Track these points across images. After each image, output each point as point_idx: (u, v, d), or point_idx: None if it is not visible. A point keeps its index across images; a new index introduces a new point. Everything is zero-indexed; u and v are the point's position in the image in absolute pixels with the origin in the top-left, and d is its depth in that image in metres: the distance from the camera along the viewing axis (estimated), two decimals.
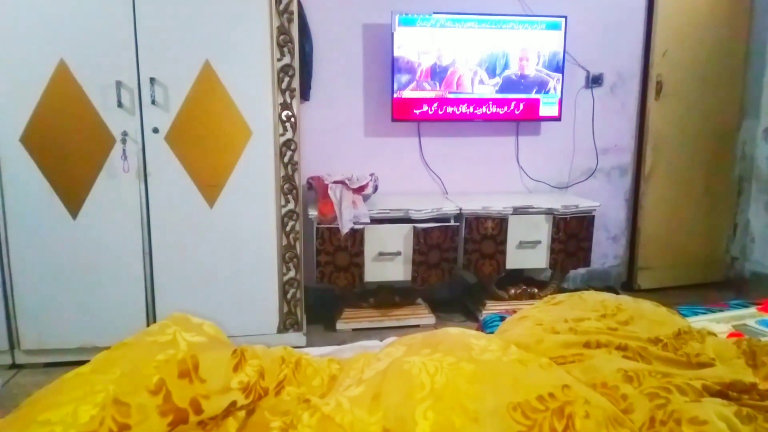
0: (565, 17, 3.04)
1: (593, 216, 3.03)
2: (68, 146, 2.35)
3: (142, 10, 2.32)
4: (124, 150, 2.37)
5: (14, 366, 2.43)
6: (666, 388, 1.07)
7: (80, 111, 2.33)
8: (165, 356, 0.90)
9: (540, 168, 3.35)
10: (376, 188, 2.88)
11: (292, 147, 2.53)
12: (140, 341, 0.95)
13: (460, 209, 2.86)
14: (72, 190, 2.38)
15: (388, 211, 2.80)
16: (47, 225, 2.37)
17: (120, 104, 2.35)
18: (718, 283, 3.57)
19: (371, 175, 2.88)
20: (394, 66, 2.94)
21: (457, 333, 1.22)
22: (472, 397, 0.98)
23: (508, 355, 1.12)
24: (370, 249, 2.79)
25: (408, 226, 2.80)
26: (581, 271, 3.40)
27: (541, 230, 2.97)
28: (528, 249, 2.97)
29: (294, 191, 2.56)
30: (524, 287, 3.09)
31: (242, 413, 0.99)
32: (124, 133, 2.37)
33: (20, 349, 2.43)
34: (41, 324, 2.42)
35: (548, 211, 2.95)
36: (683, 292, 3.37)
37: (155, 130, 2.40)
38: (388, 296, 2.98)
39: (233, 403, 0.96)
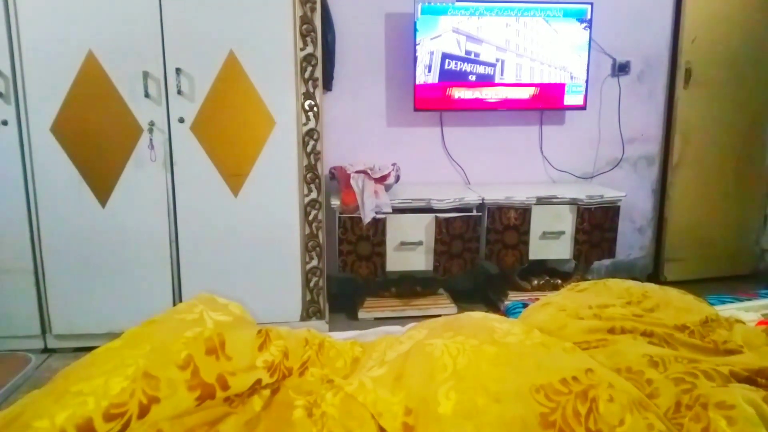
0: (591, 4, 2.99)
1: (619, 206, 2.98)
2: (97, 136, 2.40)
3: (168, 0, 2.35)
4: (151, 139, 2.42)
5: (46, 350, 2.51)
6: (692, 374, 1.05)
7: (108, 101, 2.38)
8: (193, 333, 0.92)
9: (564, 158, 3.31)
10: (398, 178, 2.88)
11: (315, 137, 2.55)
12: (168, 319, 0.97)
13: (483, 199, 2.85)
14: (101, 179, 2.43)
15: (410, 200, 2.80)
16: (77, 213, 2.43)
17: (147, 94, 2.39)
18: (747, 276, 3.49)
19: (393, 164, 2.88)
20: (416, 55, 2.93)
21: (480, 317, 1.22)
22: (495, 378, 0.99)
23: (531, 338, 1.12)
24: (392, 238, 2.79)
25: (430, 216, 2.80)
26: (606, 262, 3.36)
27: (565, 221, 2.94)
28: (551, 239, 2.94)
29: (317, 181, 2.58)
30: (547, 278, 3.07)
31: (267, 392, 1.00)
32: (151, 123, 2.41)
33: (51, 333, 2.50)
34: (71, 309, 2.48)
35: (572, 201, 2.92)
36: (711, 285, 3.29)
37: (181, 120, 2.43)
38: (410, 286, 2.99)
39: (258, 381, 0.98)
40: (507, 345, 1.08)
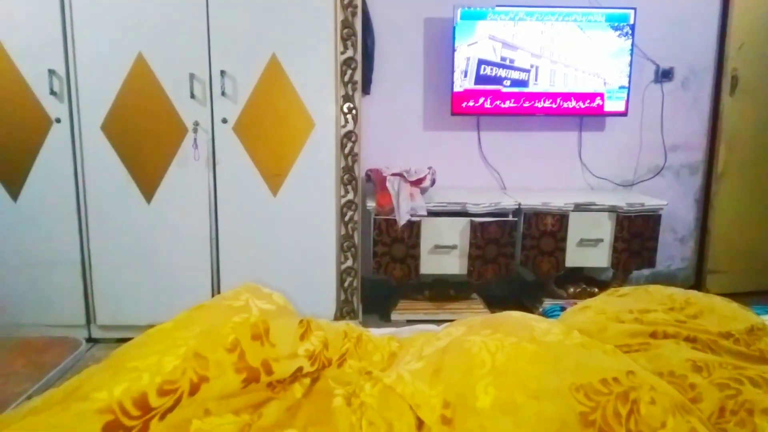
0: (634, 9, 2.95)
1: (660, 215, 2.92)
2: (144, 134, 2.49)
3: (215, 5, 2.42)
4: (195, 139, 2.49)
5: (90, 340, 2.60)
6: (737, 380, 1.03)
7: (156, 101, 2.46)
8: (240, 319, 0.95)
9: (604, 165, 3.26)
10: (433, 182, 2.88)
11: (353, 139, 2.58)
12: (216, 305, 1.01)
13: (519, 204, 2.83)
14: (147, 176, 2.52)
15: (445, 204, 2.80)
16: (123, 208, 2.52)
17: (192, 95, 2.46)
18: None
19: (429, 168, 2.89)
20: (454, 60, 2.94)
21: (519, 315, 1.21)
22: (534, 376, 0.98)
23: (571, 339, 1.11)
24: (426, 241, 2.80)
25: (465, 220, 2.79)
26: (645, 272, 3.29)
27: (604, 228, 2.89)
28: (589, 247, 2.90)
29: (353, 182, 2.61)
30: (584, 286, 3.02)
31: (307, 380, 1.03)
32: (196, 123, 2.49)
33: (96, 324, 2.59)
34: (116, 301, 2.57)
35: (612, 209, 2.87)
36: (756, 299, 3.18)
37: (224, 121, 2.50)
38: (444, 289, 2.98)
39: (299, 369, 1.00)
40: (546, 344, 1.07)
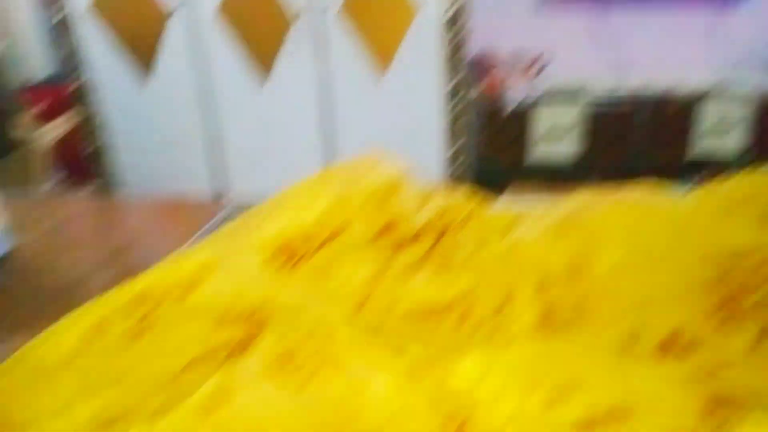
0: None
1: None
2: (256, 21, 2.56)
3: None
4: (302, 26, 2.51)
5: None
6: None
7: None
8: (369, 179, 1.02)
9: (743, 46, 2.89)
10: (546, 65, 2.74)
11: (460, 21, 2.48)
12: (347, 167, 1.08)
13: (641, 89, 2.63)
14: (260, 60, 2.61)
15: (557, 89, 2.67)
16: (241, 90, 2.67)
17: None
18: None
19: (542, 51, 2.73)
20: None
21: (644, 190, 1.18)
22: (660, 242, 0.98)
23: (703, 212, 1.08)
24: (536, 128, 2.71)
25: (578, 107, 2.65)
26: None
27: (738, 113, 2.63)
28: (718, 134, 2.66)
29: (460, 66, 2.54)
30: (713, 176, 2.81)
31: (429, 242, 1.09)
32: (302, 11, 2.50)
33: (224, 198, 2.85)
34: (245, 173, 2.81)
35: (749, 93, 2.59)
36: None
37: (328, 8, 2.49)
38: (554, 177, 2.92)
39: (421, 230, 1.06)
40: (675, 215, 1.05)
